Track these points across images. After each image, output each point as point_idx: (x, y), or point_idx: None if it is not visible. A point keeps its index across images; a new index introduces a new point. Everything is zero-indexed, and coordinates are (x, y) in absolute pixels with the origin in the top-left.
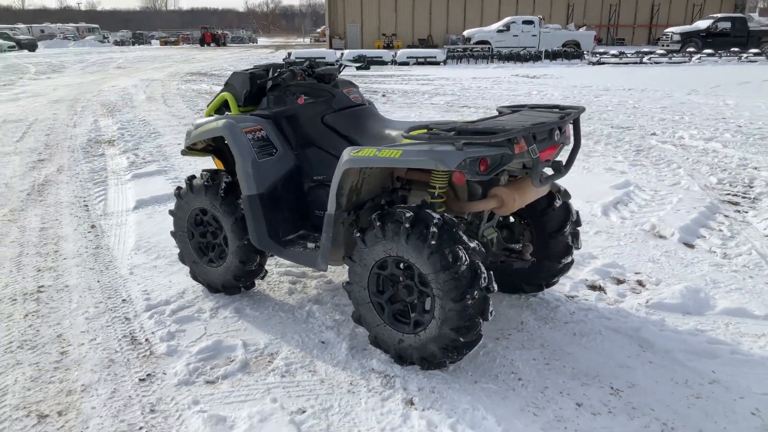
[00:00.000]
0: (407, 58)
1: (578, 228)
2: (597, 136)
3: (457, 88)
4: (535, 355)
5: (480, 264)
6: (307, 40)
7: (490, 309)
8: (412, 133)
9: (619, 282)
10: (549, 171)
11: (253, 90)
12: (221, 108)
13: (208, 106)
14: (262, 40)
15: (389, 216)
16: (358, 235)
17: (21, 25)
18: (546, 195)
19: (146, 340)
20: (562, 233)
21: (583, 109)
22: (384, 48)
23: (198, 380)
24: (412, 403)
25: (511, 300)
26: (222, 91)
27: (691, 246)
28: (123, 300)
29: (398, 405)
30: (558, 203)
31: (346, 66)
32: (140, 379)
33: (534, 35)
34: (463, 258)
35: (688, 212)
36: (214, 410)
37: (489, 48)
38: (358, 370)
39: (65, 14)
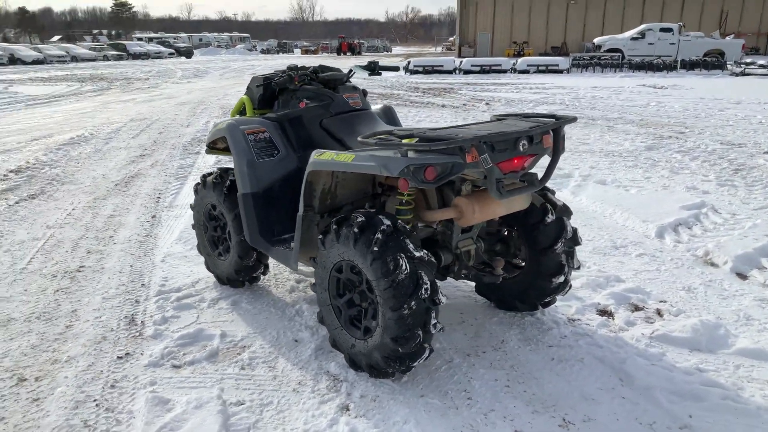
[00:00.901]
0: (527, 66)
1: (575, 247)
2: (698, 152)
3: (570, 98)
4: (499, 376)
5: (423, 274)
6: (439, 49)
7: (433, 321)
8: (367, 138)
9: (636, 309)
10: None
11: (266, 94)
12: (244, 110)
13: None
14: (397, 50)
15: (345, 220)
16: (320, 237)
17: (183, 34)
18: (540, 209)
19: (142, 322)
20: (554, 250)
21: (570, 120)
22: (514, 56)
23: (166, 363)
24: (347, 409)
25: (505, 317)
26: (244, 94)
27: (743, 277)
28: (142, 284)
29: (332, 409)
30: (550, 218)
31: (354, 72)
32: (118, 357)
33: (672, 43)
34: (403, 267)
35: (757, 239)
36: (163, 393)
37: (619, 56)
38: (313, 371)
39: (224, 24)
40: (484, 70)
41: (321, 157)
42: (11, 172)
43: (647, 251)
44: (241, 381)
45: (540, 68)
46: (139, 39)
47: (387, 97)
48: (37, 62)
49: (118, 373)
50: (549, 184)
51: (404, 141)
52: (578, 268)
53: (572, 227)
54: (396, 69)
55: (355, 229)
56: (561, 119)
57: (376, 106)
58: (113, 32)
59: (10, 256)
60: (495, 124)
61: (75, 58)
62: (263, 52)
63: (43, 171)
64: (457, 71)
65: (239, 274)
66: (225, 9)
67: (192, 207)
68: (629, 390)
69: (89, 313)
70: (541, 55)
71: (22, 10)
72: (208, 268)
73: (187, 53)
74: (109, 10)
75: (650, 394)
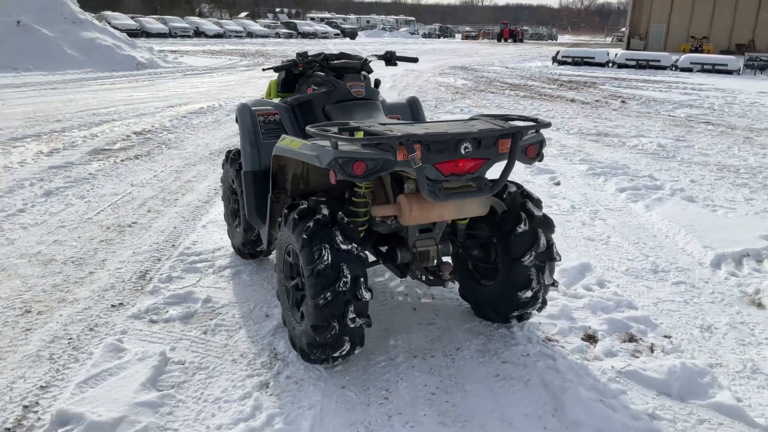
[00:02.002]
0: (690, 63)
1: (550, 262)
2: None
3: (721, 102)
4: (430, 383)
5: (346, 267)
6: (609, 39)
7: (351, 316)
8: (314, 128)
9: (628, 340)
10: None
11: (288, 78)
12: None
13: None
14: (564, 38)
15: (295, 206)
16: (279, 220)
17: (352, 16)
18: (513, 217)
19: (150, 278)
20: (521, 262)
21: (542, 125)
22: (691, 52)
23: (145, 317)
24: (266, 387)
25: (479, 325)
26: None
27: None
28: (172, 245)
29: (253, 384)
30: (522, 228)
31: (370, 61)
32: (112, 305)
33: None
34: (326, 257)
35: None
36: (125, 342)
37: None
38: (261, 346)
39: (394, 7)
40: (640, 65)
41: (282, 143)
42: (134, 134)
43: (688, 280)
44: (195, 344)
45: (705, 67)
46: (312, 19)
47: (518, 88)
48: (217, 36)
49: (103, 319)
50: (628, 193)
51: (356, 134)
52: (554, 285)
53: (548, 241)
54: (414, 60)
55: (295, 215)
56: (538, 123)
57: (399, 99)
58: (293, 11)
59: (86, 207)
60: (451, 123)
61: (250, 34)
62: (424, 36)
63: (160, 135)
64: (610, 64)
65: (245, 247)
66: None
67: (222, 180)
68: (555, 422)
69: (113, 264)
70: (722, 53)
71: None
72: (229, 236)
73: (352, 34)
74: None
75: (574, 430)
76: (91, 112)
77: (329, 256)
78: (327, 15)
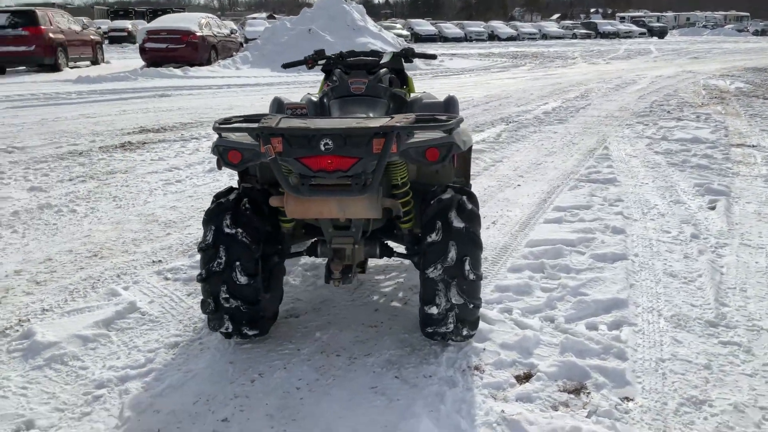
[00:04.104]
0: None
1: (460, 280)
2: None
3: None
4: (306, 377)
5: (223, 251)
6: None
7: (224, 296)
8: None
9: (569, 390)
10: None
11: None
12: None
13: None
14: None
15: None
16: None
17: (669, 13)
18: (429, 225)
19: (194, 243)
20: (426, 274)
21: (416, 127)
22: None
23: (164, 274)
24: (175, 347)
25: (419, 338)
26: None
27: None
28: None
29: (170, 342)
30: (431, 238)
31: (388, 57)
32: (153, 261)
33: None
34: (209, 237)
35: None
36: (129, 290)
37: None
38: None
39: (728, 2)
40: None
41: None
42: None
43: (705, 352)
44: (170, 302)
45: None
46: (621, 18)
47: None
48: (509, 39)
49: (134, 270)
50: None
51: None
52: (474, 306)
53: (462, 256)
54: (433, 57)
55: (215, 197)
56: (433, 124)
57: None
58: (609, 11)
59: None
60: (344, 120)
61: (545, 36)
62: (756, 33)
63: None
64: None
65: None
66: None
67: None
68: None
69: (191, 230)
70: None
71: None
72: None
73: (660, 33)
74: None
75: None
76: None
77: (212, 237)
78: (635, 13)
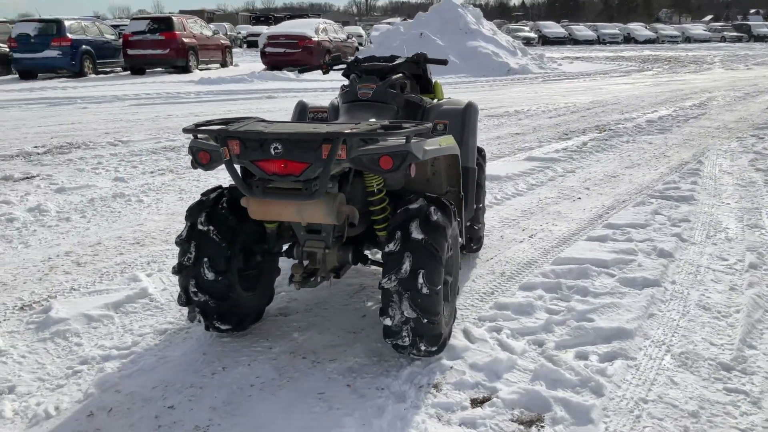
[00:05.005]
0: None
1: (413, 293)
2: None
3: None
4: (263, 375)
5: (194, 246)
6: None
7: (192, 289)
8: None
9: (522, 421)
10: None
11: None
12: None
13: None
14: None
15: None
16: None
17: None
18: (391, 233)
19: None
20: (381, 284)
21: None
22: None
23: None
24: (163, 333)
25: (388, 349)
26: None
27: None
28: None
29: (160, 329)
30: (389, 248)
31: (401, 62)
32: None
33: None
34: (183, 233)
35: None
36: (147, 280)
37: None
38: None
39: None
40: None
41: None
42: None
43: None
44: None
45: None
46: None
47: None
48: (648, 41)
49: (164, 259)
50: None
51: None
52: (427, 322)
53: (414, 269)
54: (444, 63)
55: (201, 194)
56: (382, 132)
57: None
58: None
59: None
60: (300, 125)
61: (689, 39)
62: None
63: None
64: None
65: None
66: None
67: None
68: None
69: None
70: None
71: None
72: None
73: None
74: None
75: None
76: None
77: (186, 232)
78: None
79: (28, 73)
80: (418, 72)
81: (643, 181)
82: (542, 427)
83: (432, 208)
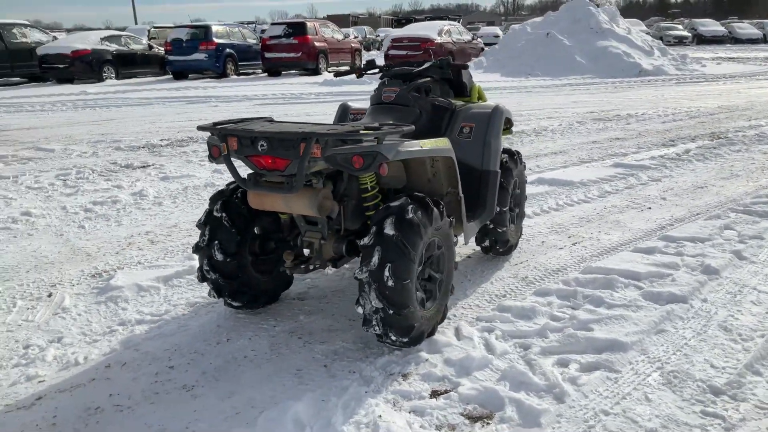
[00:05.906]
0: None
1: (379, 285)
2: None
3: None
4: (247, 352)
5: (207, 229)
6: None
7: (206, 267)
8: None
9: (471, 417)
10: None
11: None
12: None
13: None
14: None
15: None
16: None
17: None
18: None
19: None
20: (355, 275)
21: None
22: None
23: None
24: (168, 313)
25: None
26: None
27: None
28: None
29: (165, 309)
30: (363, 241)
31: (427, 66)
32: None
33: None
34: (202, 217)
35: None
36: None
37: None
38: None
39: None
40: None
41: None
42: None
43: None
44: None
45: None
46: None
47: None
48: (751, 41)
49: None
50: None
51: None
52: (393, 313)
53: (383, 262)
54: (465, 67)
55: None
56: (353, 135)
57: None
58: None
59: None
60: (287, 124)
61: None
62: None
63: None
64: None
65: None
66: None
67: None
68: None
69: None
70: None
71: None
72: None
73: None
74: None
75: None
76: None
77: (204, 217)
78: None
79: (180, 74)
80: (447, 76)
81: (731, 194)
82: (488, 424)
83: (410, 207)
